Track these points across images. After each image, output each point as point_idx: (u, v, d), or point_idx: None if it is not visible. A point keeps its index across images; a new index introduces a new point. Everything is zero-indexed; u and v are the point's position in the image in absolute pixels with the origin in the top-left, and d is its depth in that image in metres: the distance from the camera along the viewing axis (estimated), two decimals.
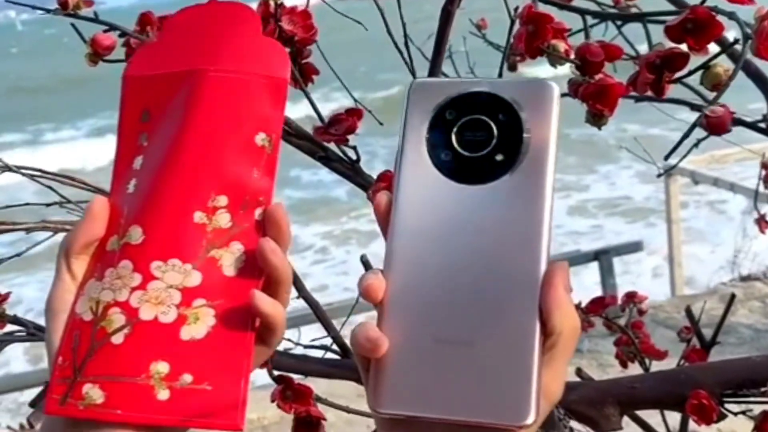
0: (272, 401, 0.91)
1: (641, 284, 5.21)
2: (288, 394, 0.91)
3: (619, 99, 0.70)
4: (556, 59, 0.69)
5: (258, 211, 0.53)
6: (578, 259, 4.58)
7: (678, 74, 0.62)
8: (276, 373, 0.93)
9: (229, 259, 0.52)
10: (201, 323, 0.51)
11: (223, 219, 0.52)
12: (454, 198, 0.49)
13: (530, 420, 0.44)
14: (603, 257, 4.61)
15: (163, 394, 0.50)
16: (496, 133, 0.49)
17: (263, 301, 0.52)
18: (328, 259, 8.16)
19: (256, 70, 0.55)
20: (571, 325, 0.46)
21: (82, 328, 0.51)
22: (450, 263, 0.48)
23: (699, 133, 0.72)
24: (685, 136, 0.68)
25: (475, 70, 1.59)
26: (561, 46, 0.69)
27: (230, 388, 0.51)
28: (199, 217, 0.52)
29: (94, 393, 0.49)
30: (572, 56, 0.70)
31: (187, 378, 0.50)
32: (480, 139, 0.49)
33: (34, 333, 0.97)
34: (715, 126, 0.66)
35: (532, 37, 0.70)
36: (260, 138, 0.54)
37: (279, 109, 0.55)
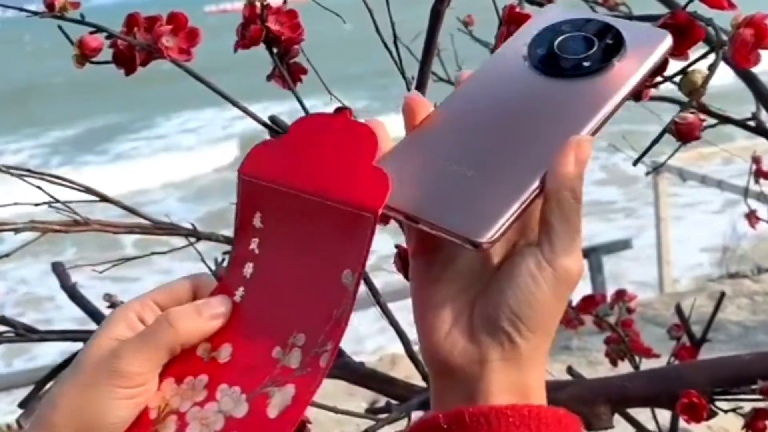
0: None
1: (628, 280, 5.23)
2: None
3: None
4: None
5: (324, 357, 0.50)
6: None
7: (657, 79, 0.61)
8: None
9: (278, 399, 0.50)
10: None
11: (295, 358, 0.51)
12: (523, 79, 0.53)
13: (484, 239, 0.46)
14: (592, 255, 4.62)
15: None
16: (594, 49, 0.53)
17: None
18: None
19: (360, 202, 0.51)
20: (565, 186, 0.47)
21: (146, 423, 0.52)
22: (492, 120, 0.52)
23: None
24: (654, 142, 0.68)
25: (463, 68, 1.59)
26: None
27: None
28: (276, 351, 0.51)
29: None
30: None
31: None
32: (579, 48, 0.53)
33: (23, 334, 0.96)
34: (685, 133, 0.66)
35: None
36: (346, 275, 0.51)
37: (368, 245, 0.51)
